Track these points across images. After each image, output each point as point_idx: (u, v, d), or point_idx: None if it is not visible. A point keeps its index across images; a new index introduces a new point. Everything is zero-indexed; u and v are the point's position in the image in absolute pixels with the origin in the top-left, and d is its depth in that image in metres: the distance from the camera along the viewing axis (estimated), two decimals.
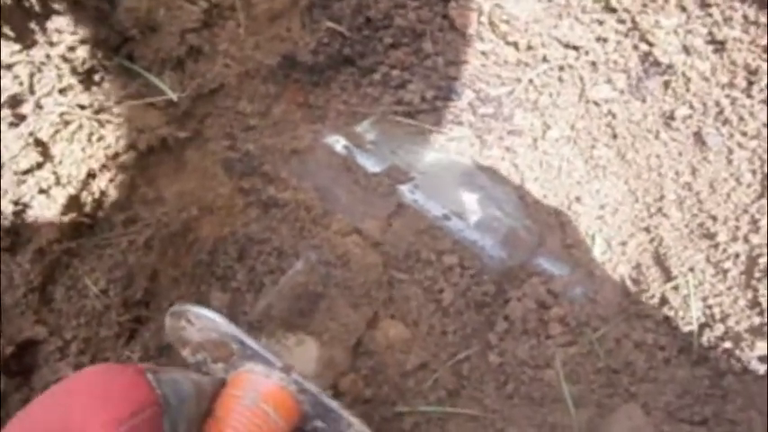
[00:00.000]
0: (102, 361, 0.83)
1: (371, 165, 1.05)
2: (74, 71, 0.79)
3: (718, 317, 0.95)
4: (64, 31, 0.78)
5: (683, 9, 1.04)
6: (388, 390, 0.97)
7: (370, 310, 0.98)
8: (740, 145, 0.99)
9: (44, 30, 0.77)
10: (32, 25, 0.76)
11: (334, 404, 0.72)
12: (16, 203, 0.75)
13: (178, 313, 0.73)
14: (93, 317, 0.82)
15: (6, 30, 0.72)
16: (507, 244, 1.01)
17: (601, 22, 1.09)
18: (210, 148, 0.99)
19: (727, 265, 0.96)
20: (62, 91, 0.78)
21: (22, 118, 0.76)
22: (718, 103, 1.02)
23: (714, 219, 0.99)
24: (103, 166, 0.83)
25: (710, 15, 1.02)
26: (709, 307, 0.96)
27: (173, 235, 0.93)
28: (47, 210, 0.77)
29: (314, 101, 1.12)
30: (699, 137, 1.03)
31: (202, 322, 0.72)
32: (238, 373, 0.72)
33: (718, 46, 1.02)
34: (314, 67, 1.10)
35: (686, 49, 1.04)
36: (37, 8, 0.73)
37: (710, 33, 1.02)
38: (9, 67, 0.73)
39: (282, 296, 0.92)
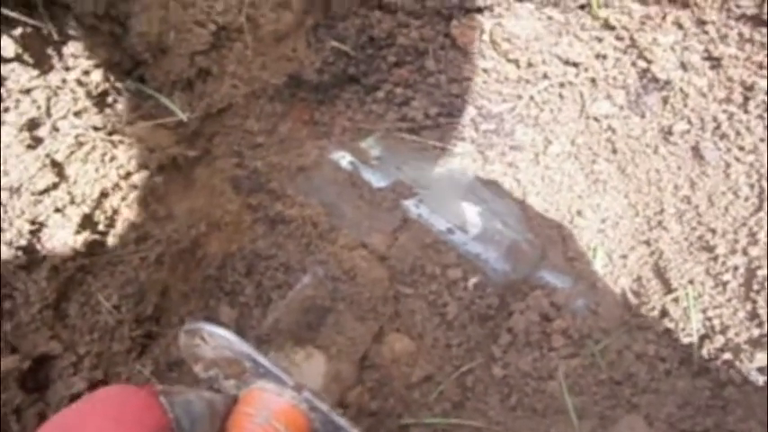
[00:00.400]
0: (115, 376, 0.85)
1: (377, 180, 1.07)
2: (88, 94, 0.82)
3: (717, 328, 0.96)
4: (79, 56, 0.81)
5: (680, 27, 1.07)
6: (393, 402, 0.98)
7: (376, 324, 1.00)
8: (738, 159, 1.01)
9: (60, 55, 0.80)
10: (50, 51, 0.79)
11: (343, 422, 0.74)
12: (33, 222, 0.78)
13: (192, 331, 0.75)
14: (105, 332, 0.84)
15: (26, 56, 0.75)
16: (510, 257, 1.03)
17: (600, 40, 1.12)
18: (219, 165, 1.01)
19: (727, 277, 0.98)
20: (77, 114, 0.81)
21: (39, 140, 0.78)
22: (715, 119, 1.04)
23: (713, 232, 1.01)
24: (116, 186, 0.86)
25: (707, 33, 1.05)
26: (709, 319, 0.97)
27: (182, 251, 0.96)
28: (61, 228, 0.79)
29: (319, 118, 1.14)
30: (697, 151, 1.05)
31: (216, 340, 0.74)
32: (250, 391, 0.74)
33: (715, 62, 1.04)
34: (319, 85, 1.13)
35: (684, 66, 1.06)
36: (55, 36, 0.76)
37: (707, 50, 1.05)
38: (27, 91, 0.76)
39: (291, 310, 0.94)
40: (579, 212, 1.10)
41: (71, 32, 0.79)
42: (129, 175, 0.87)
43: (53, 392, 0.79)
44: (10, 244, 0.75)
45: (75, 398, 0.78)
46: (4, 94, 0.74)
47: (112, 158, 0.84)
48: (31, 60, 0.75)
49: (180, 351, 0.79)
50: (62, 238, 0.80)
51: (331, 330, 0.95)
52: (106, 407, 0.58)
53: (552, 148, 1.12)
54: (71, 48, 0.81)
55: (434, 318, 1.04)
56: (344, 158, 1.09)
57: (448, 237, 1.04)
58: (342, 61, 1.13)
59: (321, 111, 1.13)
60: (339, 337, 0.95)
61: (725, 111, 1.03)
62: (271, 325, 0.93)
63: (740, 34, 1.01)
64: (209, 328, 0.74)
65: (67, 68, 0.80)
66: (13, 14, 0.71)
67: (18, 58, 0.74)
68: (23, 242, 0.77)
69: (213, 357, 0.76)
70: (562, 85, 1.13)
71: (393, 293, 1.03)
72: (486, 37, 1.16)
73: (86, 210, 0.82)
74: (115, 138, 0.84)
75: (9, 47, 0.73)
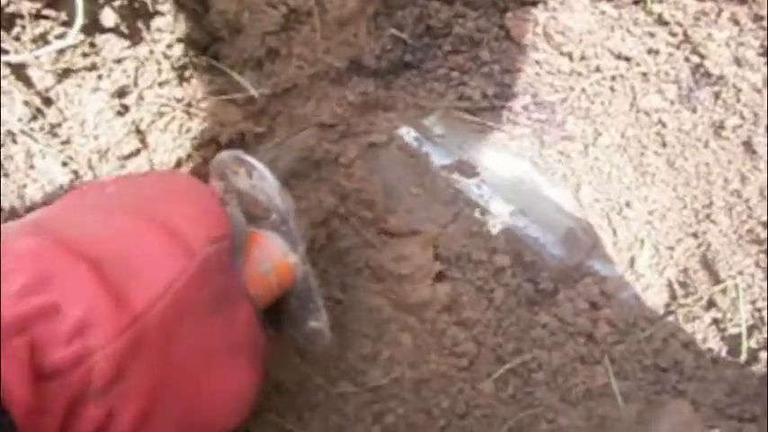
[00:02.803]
0: None
1: (441, 158, 1.10)
2: (171, 67, 0.86)
3: (766, 319, 0.98)
4: (164, 31, 0.85)
5: (736, 22, 1.09)
6: None
7: None
8: None
9: (149, 28, 0.84)
10: (140, 24, 0.83)
11: (320, 303, 0.78)
12: None
13: (241, 160, 0.74)
14: None
15: (122, 27, 0.79)
16: (566, 243, 1.05)
17: (652, 35, 1.14)
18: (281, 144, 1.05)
19: None
20: (161, 84, 0.85)
21: (127, 108, 0.83)
22: None
23: (763, 225, 1.03)
24: (189, 156, 0.90)
25: (763, 28, 1.07)
26: (759, 310, 0.99)
27: None
28: None
29: (380, 98, 1.16)
30: (749, 146, 1.06)
31: (263, 183, 0.73)
32: (257, 234, 0.74)
33: None
34: (377, 71, 1.16)
35: (738, 61, 1.08)
36: (150, 8, 0.81)
37: (762, 45, 1.06)
38: (119, 61, 0.81)
39: None
40: (628, 203, 1.12)
41: (158, 8, 0.83)
42: (200, 147, 0.91)
43: None
44: None
45: None
46: (99, 63, 0.79)
47: (188, 130, 0.88)
48: (126, 31, 0.80)
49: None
50: None
51: None
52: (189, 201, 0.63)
53: (602, 140, 1.14)
54: (158, 22, 0.85)
55: (483, 300, 1.07)
56: (410, 134, 1.11)
57: (508, 219, 1.06)
58: (399, 48, 1.17)
59: (379, 93, 1.16)
60: None
61: None
62: None
63: None
64: (265, 171, 0.73)
65: (154, 41, 0.84)
66: None
67: (116, 29, 0.79)
68: None
69: (244, 189, 0.75)
70: (614, 78, 1.15)
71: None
72: (539, 29, 1.19)
73: None
74: (191, 110, 0.88)
75: (109, 17, 0.77)
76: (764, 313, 0.98)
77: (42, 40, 0.72)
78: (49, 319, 0.48)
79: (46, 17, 0.72)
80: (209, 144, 0.93)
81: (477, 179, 1.08)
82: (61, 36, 0.71)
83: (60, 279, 0.49)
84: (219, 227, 0.62)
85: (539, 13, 1.19)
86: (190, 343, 0.57)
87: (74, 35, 0.69)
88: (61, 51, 0.74)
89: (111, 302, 0.50)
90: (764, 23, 1.05)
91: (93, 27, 0.77)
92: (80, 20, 0.67)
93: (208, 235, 0.59)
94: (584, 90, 1.16)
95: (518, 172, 1.10)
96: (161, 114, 0.85)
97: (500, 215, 1.06)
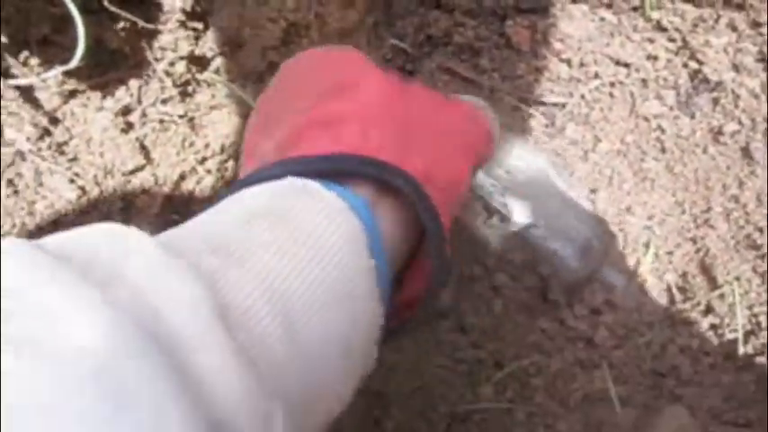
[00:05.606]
0: None
1: None
2: (173, 84, 0.89)
3: (763, 325, 0.99)
4: (167, 49, 0.88)
5: (734, 29, 1.09)
6: None
7: None
8: None
9: (151, 48, 0.87)
10: (143, 44, 0.86)
11: None
12: (123, 199, 0.85)
13: None
14: None
15: (126, 49, 0.82)
16: (584, 254, 1.03)
17: (651, 41, 1.15)
18: None
19: None
20: (164, 101, 0.88)
21: (131, 125, 0.86)
22: (767, 120, 1.06)
23: (761, 231, 1.03)
24: (193, 169, 0.92)
25: (761, 35, 1.07)
26: (755, 315, 1.00)
27: None
28: (147, 207, 0.87)
29: None
30: (747, 151, 1.07)
31: None
32: None
33: None
34: None
35: (736, 67, 1.08)
36: (152, 29, 0.83)
37: (761, 52, 1.07)
38: (122, 80, 0.84)
39: None
40: (629, 209, 1.12)
41: (160, 27, 0.86)
42: (204, 160, 0.94)
43: None
44: (106, 219, 0.82)
45: None
46: (104, 83, 0.82)
47: (191, 144, 0.91)
48: (128, 52, 0.83)
49: None
50: (146, 216, 0.87)
51: None
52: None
53: (602, 146, 1.15)
54: (160, 41, 0.88)
55: (482, 307, 1.08)
56: None
57: (528, 231, 1.05)
58: (400, 58, 1.18)
59: None
60: None
61: None
62: None
63: None
64: None
65: (156, 60, 0.87)
66: (116, 10, 0.78)
67: (119, 51, 0.82)
68: (116, 219, 0.84)
69: None
70: (613, 84, 1.16)
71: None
72: (539, 37, 1.20)
73: (167, 191, 0.89)
74: (194, 124, 0.91)
75: (113, 39, 0.80)
76: (761, 319, 0.99)
77: (48, 63, 0.75)
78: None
79: (52, 42, 0.75)
80: (212, 157, 0.95)
81: (500, 187, 1.06)
82: (66, 60, 0.74)
83: None
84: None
85: (538, 21, 1.20)
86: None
87: (76, 60, 0.72)
88: (67, 73, 0.77)
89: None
90: (762, 30, 1.05)
91: (97, 49, 0.80)
92: (82, 47, 0.70)
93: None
94: (583, 96, 1.17)
95: (535, 181, 1.09)
96: (164, 130, 0.87)
97: (515, 222, 1.05)
